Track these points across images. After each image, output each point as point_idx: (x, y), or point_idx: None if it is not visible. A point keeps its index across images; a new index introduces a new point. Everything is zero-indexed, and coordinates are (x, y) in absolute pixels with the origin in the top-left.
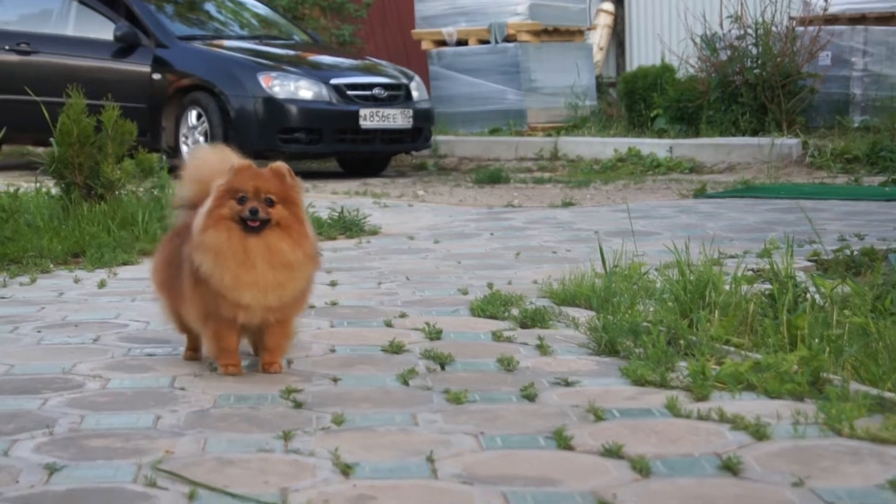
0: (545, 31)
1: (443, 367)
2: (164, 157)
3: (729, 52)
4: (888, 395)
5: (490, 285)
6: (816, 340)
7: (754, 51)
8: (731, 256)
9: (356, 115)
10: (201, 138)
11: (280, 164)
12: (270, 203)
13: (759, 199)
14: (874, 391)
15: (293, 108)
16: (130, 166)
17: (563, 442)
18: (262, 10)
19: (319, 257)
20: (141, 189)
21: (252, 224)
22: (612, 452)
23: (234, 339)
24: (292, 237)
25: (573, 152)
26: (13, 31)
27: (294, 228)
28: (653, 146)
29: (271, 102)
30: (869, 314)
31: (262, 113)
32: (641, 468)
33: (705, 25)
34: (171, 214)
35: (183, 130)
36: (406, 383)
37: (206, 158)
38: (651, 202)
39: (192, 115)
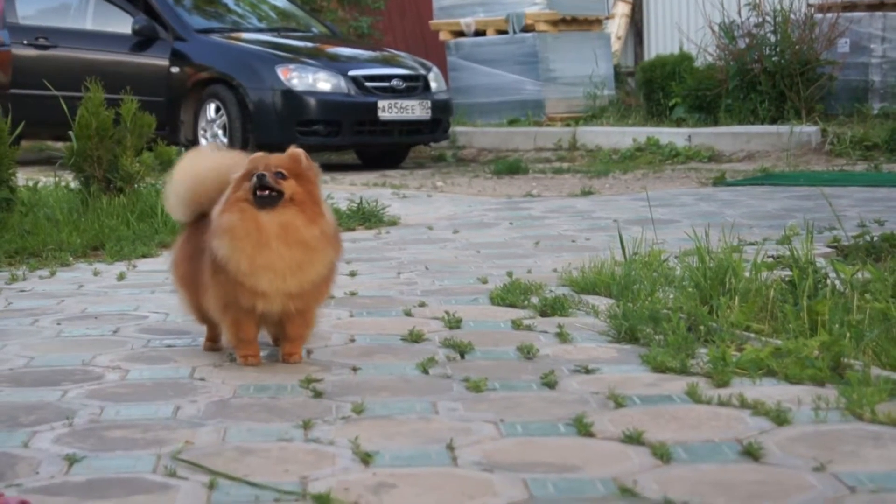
0: (563, 21)
1: (462, 356)
2: (183, 150)
3: (747, 40)
4: None
5: (509, 274)
6: (837, 326)
7: (772, 38)
8: (751, 243)
9: (375, 107)
10: (220, 131)
11: (296, 149)
12: (282, 176)
13: (778, 186)
14: (895, 376)
15: (312, 101)
16: (149, 159)
17: (583, 429)
18: (280, 2)
19: (340, 244)
20: (160, 182)
21: (261, 193)
22: (633, 439)
23: (253, 329)
24: (306, 213)
25: (592, 142)
26: (32, 25)
27: (308, 205)
28: (671, 135)
29: (290, 95)
30: (889, 299)
31: (280, 105)
32: (662, 454)
33: (723, 13)
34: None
35: (202, 123)
36: (426, 372)
37: (200, 162)
38: (670, 190)
39: (211, 109)
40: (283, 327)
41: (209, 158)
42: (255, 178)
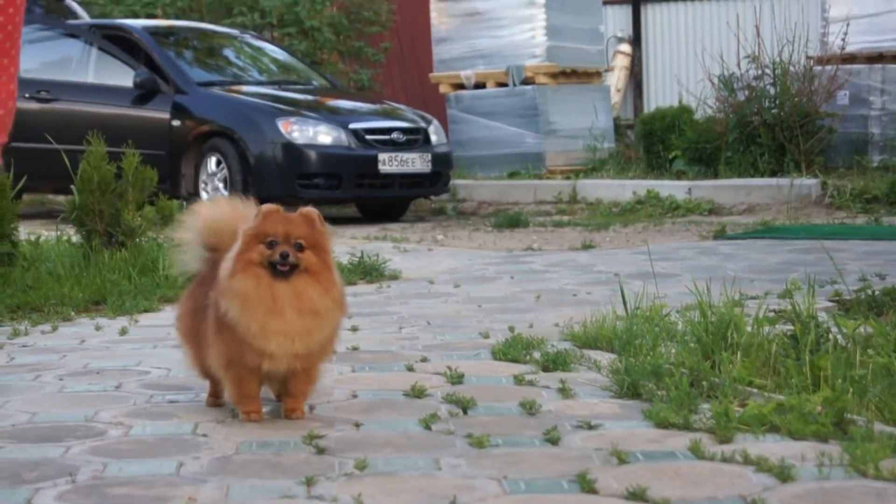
0: (563, 73)
1: (465, 412)
2: (184, 203)
3: (746, 93)
4: None
5: (511, 328)
6: (840, 381)
7: (772, 91)
8: (753, 297)
9: (375, 160)
10: (221, 185)
11: (310, 210)
12: (300, 248)
13: (779, 239)
14: None
15: (312, 154)
16: (151, 213)
17: (586, 485)
18: (281, 55)
19: (346, 303)
20: (161, 236)
21: (282, 268)
22: (637, 495)
23: (255, 385)
24: (321, 283)
25: (592, 195)
26: (33, 78)
27: (323, 275)
28: (671, 188)
29: (290, 148)
30: (892, 354)
31: (281, 158)
32: None
33: (723, 66)
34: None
35: (202, 177)
36: (428, 428)
37: (211, 211)
38: (671, 244)
39: (212, 162)
40: (286, 384)
41: (219, 208)
42: (277, 255)
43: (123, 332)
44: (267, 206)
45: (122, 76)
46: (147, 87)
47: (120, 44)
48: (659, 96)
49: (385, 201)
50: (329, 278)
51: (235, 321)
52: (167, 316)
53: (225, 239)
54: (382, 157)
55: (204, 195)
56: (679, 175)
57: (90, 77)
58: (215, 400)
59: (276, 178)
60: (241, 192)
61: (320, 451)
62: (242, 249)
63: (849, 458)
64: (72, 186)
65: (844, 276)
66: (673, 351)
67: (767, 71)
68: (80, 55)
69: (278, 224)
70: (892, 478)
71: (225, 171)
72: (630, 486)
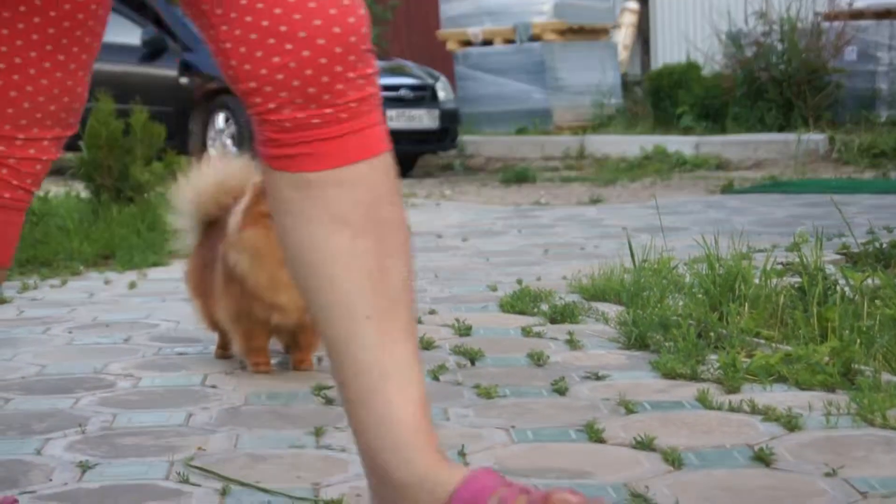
0: (570, 30)
1: (473, 363)
2: (193, 159)
3: (754, 49)
4: None
5: (519, 281)
6: (847, 332)
7: (780, 47)
8: (760, 250)
9: None
10: (229, 141)
11: None
12: None
13: (786, 194)
14: None
15: None
16: (159, 168)
17: (594, 435)
18: None
19: None
20: (170, 189)
21: None
22: (644, 445)
23: (264, 338)
24: None
25: (600, 151)
26: None
27: None
28: (679, 144)
29: None
30: None
31: None
32: (673, 460)
33: (730, 22)
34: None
35: (211, 133)
36: (436, 379)
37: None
38: (679, 198)
39: (220, 119)
40: (294, 336)
41: (210, 173)
42: None
43: (132, 286)
44: None
45: (130, 34)
46: (155, 45)
47: (128, 2)
48: (666, 53)
49: (393, 157)
50: None
51: (245, 274)
52: (176, 270)
53: (223, 202)
54: (390, 113)
55: (212, 151)
56: (686, 131)
57: None
58: (224, 352)
59: None
60: (250, 149)
61: (329, 401)
62: (251, 203)
63: (856, 407)
64: (80, 143)
65: (852, 230)
66: (680, 303)
67: (775, 27)
68: None
69: None
70: None
71: (233, 128)
72: (638, 435)
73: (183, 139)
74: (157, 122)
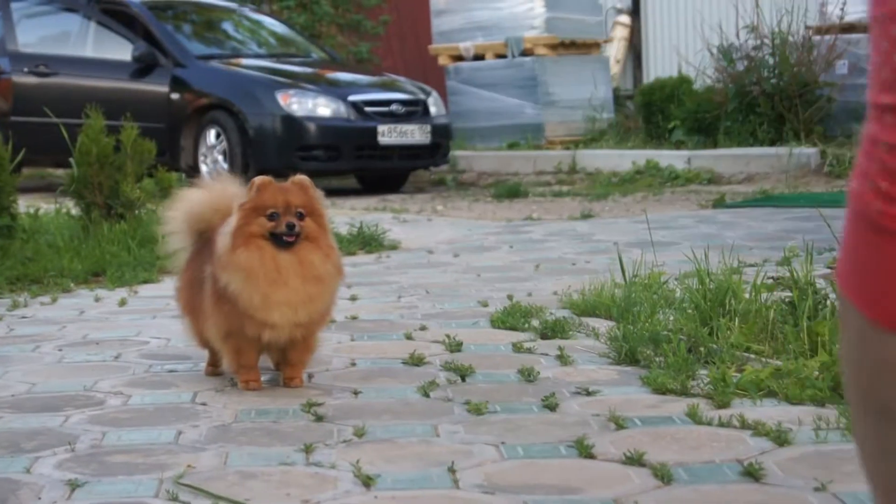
0: (562, 45)
1: (463, 379)
2: (184, 176)
3: (746, 63)
4: None
5: (510, 297)
6: (837, 346)
7: (771, 61)
8: (751, 265)
9: (374, 132)
10: (220, 157)
11: (302, 177)
12: (301, 216)
13: (777, 208)
14: None
15: (311, 126)
16: (150, 185)
17: (584, 450)
18: (280, 28)
19: (343, 269)
20: (160, 208)
21: (288, 239)
22: (634, 460)
23: (254, 355)
24: (322, 249)
25: (591, 165)
26: (32, 52)
27: (322, 240)
28: (671, 158)
29: (289, 120)
30: None
31: (280, 131)
32: (663, 475)
33: (722, 36)
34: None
35: (202, 150)
36: (427, 395)
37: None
38: (670, 213)
39: (211, 135)
40: (285, 353)
41: (202, 195)
42: (283, 226)
43: (122, 303)
44: (260, 179)
45: (121, 50)
46: (146, 60)
47: (118, 18)
48: (658, 67)
49: (384, 173)
50: (328, 243)
51: (238, 294)
52: (166, 287)
53: (213, 222)
54: (381, 128)
55: (203, 167)
56: (678, 145)
57: (89, 51)
58: (214, 369)
59: (276, 150)
60: (241, 165)
61: (319, 418)
62: (241, 223)
63: (845, 421)
64: (70, 159)
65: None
66: (671, 318)
67: (766, 41)
68: (78, 29)
69: (277, 195)
70: None
71: (224, 144)
72: (628, 450)
73: (174, 155)
74: (148, 139)
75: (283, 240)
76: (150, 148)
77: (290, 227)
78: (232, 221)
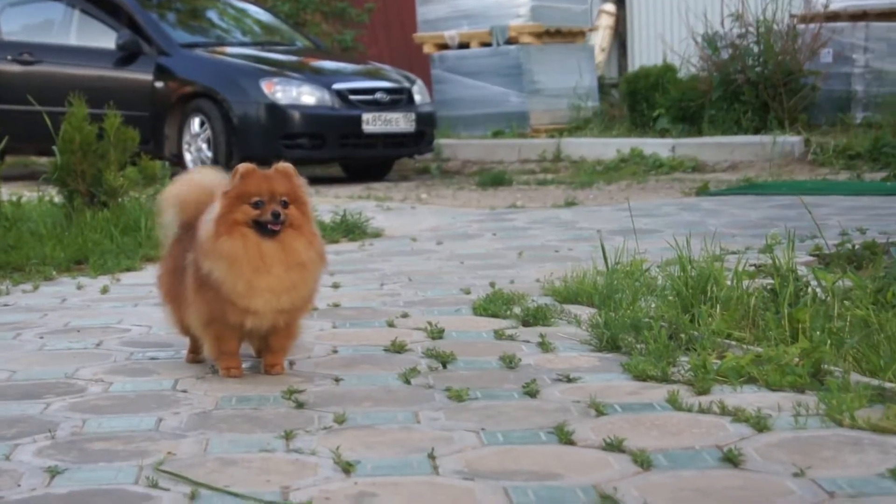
0: (547, 33)
1: (445, 366)
2: (168, 164)
3: (730, 51)
4: (889, 385)
5: (492, 284)
6: (817, 333)
7: (756, 49)
8: (733, 252)
9: (359, 120)
10: (204, 145)
11: (286, 165)
12: (285, 204)
13: (761, 196)
14: (875, 382)
15: (296, 114)
16: (133, 173)
17: (564, 437)
18: (264, 16)
19: (325, 256)
20: (144, 196)
21: (273, 228)
22: (614, 446)
23: (236, 342)
24: (305, 236)
25: (576, 153)
26: (16, 41)
27: (305, 227)
28: (655, 146)
29: (274, 108)
30: (870, 306)
31: (264, 119)
32: (643, 461)
33: (707, 24)
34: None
35: (186, 138)
36: (408, 382)
37: (193, 183)
38: (653, 201)
39: (195, 123)
40: (266, 340)
41: (187, 185)
42: (269, 215)
43: (105, 290)
44: (244, 166)
45: (105, 38)
46: (130, 48)
47: (102, 6)
48: (643, 55)
49: (369, 161)
50: (311, 230)
51: (221, 281)
52: (149, 274)
53: (199, 210)
54: (366, 116)
55: (188, 156)
56: (663, 133)
57: (73, 39)
58: (195, 356)
59: (260, 138)
60: (225, 153)
61: (300, 405)
62: (225, 210)
63: (825, 408)
64: (54, 147)
65: (826, 231)
66: (653, 305)
67: (751, 29)
68: (62, 17)
69: (261, 183)
70: (868, 427)
71: (208, 132)
72: (607, 437)
73: (158, 144)
74: (132, 127)
75: (267, 228)
76: (134, 136)
77: (276, 215)
78: (215, 209)
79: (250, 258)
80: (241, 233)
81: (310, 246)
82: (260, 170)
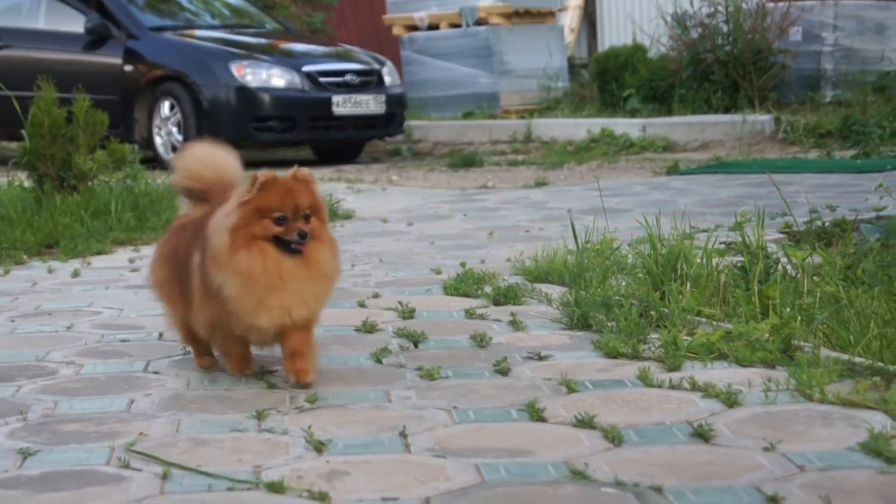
0: (516, 14)
1: (416, 345)
2: (137, 148)
3: (700, 30)
4: (858, 360)
5: (463, 264)
6: (787, 309)
7: (725, 28)
8: (703, 230)
9: (329, 102)
10: (174, 129)
11: (304, 172)
12: (307, 218)
13: (731, 174)
14: (844, 357)
15: (266, 97)
16: (103, 157)
17: (535, 414)
18: None
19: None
20: (113, 179)
21: (299, 247)
22: (585, 423)
23: (244, 346)
24: (327, 246)
25: (547, 134)
26: None
27: (325, 234)
28: (626, 126)
29: (244, 91)
30: (839, 282)
31: (234, 102)
32: (613, 437)
33: (676, 4)
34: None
35: (156, 122)
36: (379, 361)
37: (198, 156)
38: (624, 180)
39: (165, 106)
40: (283, 339)
41: (199, 154)
42: (295, 235)
43: (76, 274)
44: (264, 175)
45: (74, 22)
46: (98, 32)
47: None
48: (613, 35)
49: (339, 143)
50: (331, 238)
51: (233, 297)
52: (120, 258)
53: (206, 185)
54: (336, 99)
55: (158, 139)
56: (633, 113)
57: (41, 23)
58: (204, 360)
59: (230, 121)
60: (195, 136)
61: (271, 386)
62: (242, 223)
63: (795, 383)
64: (23, 131)
65: (796, 209)
66: (623, 283)
67: (720, 8)
68: (31, 2)
69: (284, 197)
70: (837, 401)
71: (178, 116)
72: (578, 413)
73: (128, 127)
74: (102, 111)
75: (290, 247)
76: (103, 119)
77: (303, 236)
78: (231, 217)
79: (268, 276)
80: (259, 248)
81: (333, 256)
82: (281, 180)
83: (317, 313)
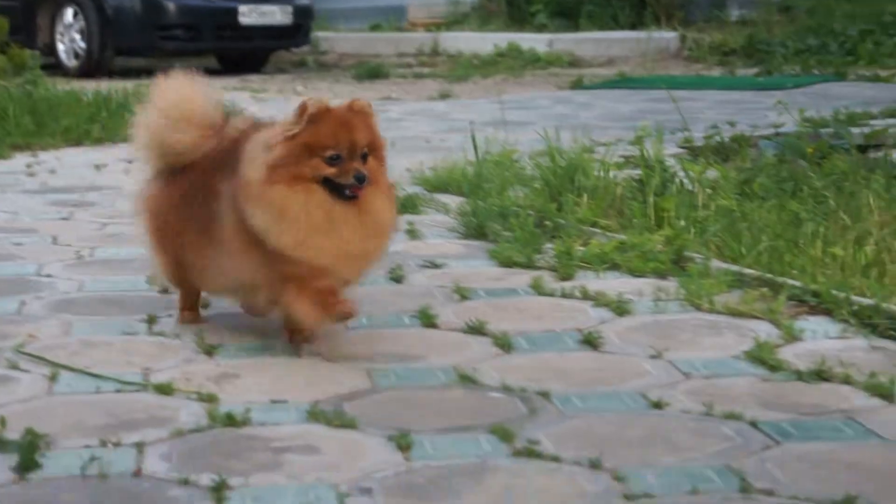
0: None
1: None
2: (39, 54)
3: None
4: (748, 271)
5: None
6: (681, 221)
7: None
8: (604, 144)
9: (235, 12)
10: (78, 36)
11: (361, 102)
12: (364, 158)
13: (635, 90)
14: (734, 268)
15: (171, 5)
16: (2, 61)
17: (427, 320)
18: None
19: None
20: (13, 85)
21: (355, 192)
22: (475, 329)
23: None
24: (384, 191)
25: (453, 48)
26: None
27: (384, 182)
28: (533, 41)
29: None
30: (734, 196)
31: (139, 10)
32: (503, 344)
33: None
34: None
35: (59, 28)
36: None
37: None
38: (528, 94)
39: (69, 13)
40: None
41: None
42: (351, 178)
43: None
44: (315, 104)
45: None
46: None
47: None
48: None
49: (245, 53)
50: (389, 183)
51: (264, 230)
52: (17, 163)
53: (190, 137)
54: (242, 8)
55: (60, 46)
56: (541, 28)
57: None
58: (192, 314)
59: (135, 29)
60: (99, 44)
61: (164, 290)
62: (286, 161)
63: (685, 293)
64: None
65: (698, 125)
66: (521, 194)
67: None
68: None
69: (339, 131)
70: (726, 311)
71: (82, 23)
72: (470, 320)
73: (30, 34)
74: (2, 16)
75: (345, 192)
76: (3, 24)
77: (360, 179)
78: (274, 153)
79: (312, 218)
80: (305, 188)
81: (391, 206)
82: (335, 110)
83: (362, 276)
